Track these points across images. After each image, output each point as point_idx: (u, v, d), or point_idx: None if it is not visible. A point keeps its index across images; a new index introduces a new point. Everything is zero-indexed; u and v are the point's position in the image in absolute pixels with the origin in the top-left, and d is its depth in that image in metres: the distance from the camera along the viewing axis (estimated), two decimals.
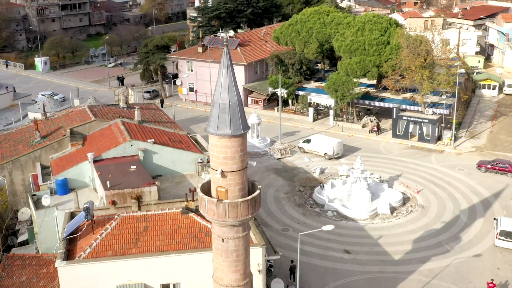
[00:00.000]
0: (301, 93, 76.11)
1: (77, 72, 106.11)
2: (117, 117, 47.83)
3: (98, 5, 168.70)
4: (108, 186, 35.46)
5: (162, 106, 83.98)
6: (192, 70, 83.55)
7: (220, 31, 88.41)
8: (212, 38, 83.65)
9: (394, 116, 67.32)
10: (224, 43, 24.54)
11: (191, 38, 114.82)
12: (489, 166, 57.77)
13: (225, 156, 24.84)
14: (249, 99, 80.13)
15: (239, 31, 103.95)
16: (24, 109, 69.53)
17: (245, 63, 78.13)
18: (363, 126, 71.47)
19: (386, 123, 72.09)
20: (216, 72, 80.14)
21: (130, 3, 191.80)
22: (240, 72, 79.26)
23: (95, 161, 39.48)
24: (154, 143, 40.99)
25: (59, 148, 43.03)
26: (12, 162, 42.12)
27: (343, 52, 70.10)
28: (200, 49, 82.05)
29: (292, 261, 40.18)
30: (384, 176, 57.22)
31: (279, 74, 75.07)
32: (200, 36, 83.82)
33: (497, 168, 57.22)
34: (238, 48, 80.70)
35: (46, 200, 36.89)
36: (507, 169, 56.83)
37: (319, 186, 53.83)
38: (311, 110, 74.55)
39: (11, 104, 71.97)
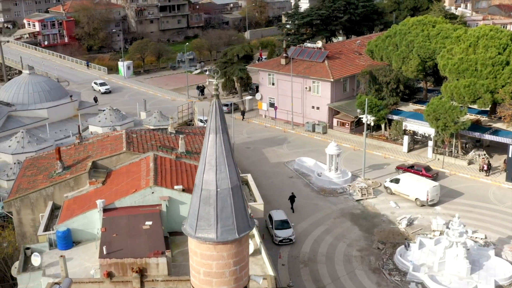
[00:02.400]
0: (395, 117, 64.38)
1: (160, 78, 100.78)
2: (156, 148, 39.81)
3: (197, 7, 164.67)
4: (105, 252, 27.19)
5: (243, 119, 76.05)
6: (273, 84, 74.48)
7: (308, 41, 78.38)
8: (298, 49, 74.00)
9: (511, 155, 54.00)
10: (214, 90, 15.26)
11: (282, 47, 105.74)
12: (406, 168, 56.31)
13: (209, 272, 15.58)
14: (335, 120, 69.57)
15: (334, 40, 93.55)
16: (87, 120, 64.06)
17: (332, 79, 67.70)
18: (470, 163, 58.57)
19: (499, 160, 58.68)
20: (298, 88, 70.50)
21: (231, 5, 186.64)
22: (325, 89, 69.02)
23: (106, 210, 31.50)
24: (183, 190, 32.24)
25: (75, 185, 35.64)
26: (21, 199, 35.34)
27: (449, 72, 57.68)
28: (283, 61, 72.72)
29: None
30: (491, 237, 44.73)
31: (369, 94, 63.96)
32: (284, 46, 74.31)
33: (412, 171, 55.26)
34: (325, 61, 70.42)
35: (36, 259, 29.39)
36: (420, 173, 54.70)
37: (403, 245, 42.58)
38: (406, 138, 62.65)
39: (75, 115, 66.89)
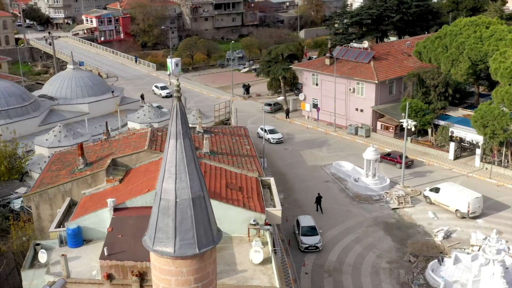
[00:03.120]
0: (441, 123, 61.14)
1: (207, 75, 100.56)
2: None
3: (252, 5, 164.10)
4: (106, 253, 26.45)
5: (287, 117, 74.65)
6: (317, 84, 72.52)
7: (355, 41, 75.81)
8: (344, 49, 71.69)
9: None
10: (175, 90, 14.04)
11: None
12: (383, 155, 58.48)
13: None
14: (378, 124, 66.92)
15: (386, 40, 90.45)
16: (126, 116, 64.30)
17: (376, 81, 65.09)
18: None
19: None
20: (341, 89, 68.32)
21: (287, 3, 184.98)
22: (370, 91, 66.51)
23: (117, 209, 30.83)
24: None
25: (93, 182, 35.23)
26: (40, 194, 35.27)
27: (500, 76, 54.07)
28: (327, 61, 70.62)
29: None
30: None
31: (416, 98, 61.10)
32: (329, 45, 72.16)
33: (388, 158, 58.93)
34: (371, 62, 67.84)
35: (42, 256, 29.05)
36: (395, 160, 58.13)
37: (437, 259, 39.98)
38: (452, 145, 59.38)
39: (116, 110, 67.27)
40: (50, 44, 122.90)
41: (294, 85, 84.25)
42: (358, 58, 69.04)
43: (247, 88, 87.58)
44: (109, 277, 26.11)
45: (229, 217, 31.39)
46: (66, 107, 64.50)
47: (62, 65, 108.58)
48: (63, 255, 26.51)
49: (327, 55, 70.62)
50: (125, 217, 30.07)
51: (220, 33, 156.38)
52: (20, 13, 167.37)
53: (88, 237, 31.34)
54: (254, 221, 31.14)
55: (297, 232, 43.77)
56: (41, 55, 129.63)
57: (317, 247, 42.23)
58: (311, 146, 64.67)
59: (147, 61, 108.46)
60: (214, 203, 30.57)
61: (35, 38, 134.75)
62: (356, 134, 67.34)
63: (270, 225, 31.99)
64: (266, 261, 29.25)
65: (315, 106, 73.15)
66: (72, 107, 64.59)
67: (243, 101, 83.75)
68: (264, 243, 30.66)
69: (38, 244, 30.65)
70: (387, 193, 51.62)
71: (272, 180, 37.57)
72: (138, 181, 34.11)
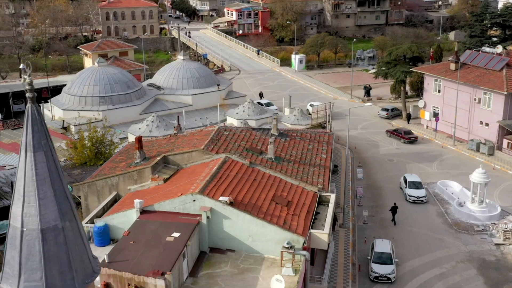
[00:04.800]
0: None
1: (331, 74, 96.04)
2: (242, 149, 36.04)
3: (399, 3, 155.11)
4: (107, 260, 24.31)
5: (408, 122, 68.31)
6: (439, 91, 65.02)
7: (486, 45, 66.60)
8: (473, 54, 63.30)
9: None
10: (27, 91, 11.00)
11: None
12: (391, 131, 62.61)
13: None
14: (505, 141, 57.99)
15: None
16: (227, 111, 62.75)
17: (506, 92, 56.31)
18: None
19: None
20: (465, 98, 60.54)
21: (440, 2, 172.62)
22: (498, 103, 57.88)
23: (144, 211, 28.68)
24: (230, 203, 27.87)
25: (139, 178, 33.48)
26: (88, 185, 34.39)
27: None
28: (452, 66, 62.82)
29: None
30: None
31: None
32: (455, 49, 64.18)
33: (395, 133, 62.79)
34: (503, 70, 58.95)
35: None
36: (400, 135, 62.11)
37: None
38: None
39: (221, 104, 65.96)
40: (189, 37, 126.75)
41: (420, 90, 76.84)
42: (489, 64, 60.46)
43: (368, 90, 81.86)
44: (107, 286, 23.97)
45: (263, 235, 27.79)
46: (170, 97, 64.57)
47: (198, 56, 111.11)
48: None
49: (451, 58, 62.79)
50: (147, 221, 27.79)
51: (361, 31, 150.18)
52: (170, 4, 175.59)
53: (117, 237, 29.60)
54: (288, 243, 27.13)
55: (369, 257, 38.57)
56: (181, 45, 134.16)
57: (389, 278, 36.70)
58: (421, 159, 57.89)
59: (271, 55, 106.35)
60: (248, 218, 27.31)
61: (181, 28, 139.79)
62: (478, 150, 59.07)
63: (308, 250, 27.71)
64: None
65: (435, 115, 65.72)
66: (176, 98, 64.50)
67: (361, 103, 78.20)
68: (296, 271, 26.59)
69: None
70: (494, 224, 43.95)
71: (332, 197, 32.99)
72: (180, 182, 31.73)
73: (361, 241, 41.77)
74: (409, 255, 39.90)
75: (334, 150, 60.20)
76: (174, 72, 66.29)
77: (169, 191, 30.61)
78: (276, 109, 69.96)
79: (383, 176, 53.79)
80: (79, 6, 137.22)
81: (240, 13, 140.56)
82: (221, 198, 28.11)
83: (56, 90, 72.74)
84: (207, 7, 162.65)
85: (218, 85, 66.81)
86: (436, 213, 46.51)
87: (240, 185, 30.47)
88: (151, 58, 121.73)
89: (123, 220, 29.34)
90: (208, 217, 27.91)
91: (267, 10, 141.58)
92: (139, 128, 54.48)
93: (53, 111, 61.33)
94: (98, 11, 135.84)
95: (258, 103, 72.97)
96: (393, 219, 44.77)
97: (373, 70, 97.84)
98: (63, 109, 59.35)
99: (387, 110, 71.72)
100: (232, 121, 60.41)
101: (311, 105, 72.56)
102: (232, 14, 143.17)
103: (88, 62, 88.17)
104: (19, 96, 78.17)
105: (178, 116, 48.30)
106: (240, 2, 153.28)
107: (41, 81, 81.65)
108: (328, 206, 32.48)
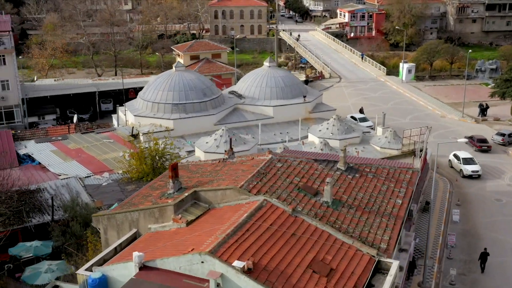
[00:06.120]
0: None
1: (443, 87, 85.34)
2: (292, 188, 29.47)
3: None
4: None
5: None
6: None
7: None
8: None
9: None
10: None
11: None
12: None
13: None
14: None
15: None
16: (309, 127, 55.92)
17: None
18: None
19: None
20: None
21: None
22: None
23: (144, 267, 23.18)
24: (247, 270, 21.53)
25: (160, 217, 28.03)
26: (108, 218, 29.60)
27: None
28: None
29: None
30: None
31: None
32: None
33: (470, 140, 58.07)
34: None
35: None
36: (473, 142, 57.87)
37: None
38: None
39: (307, 117, 59.25)
40: (296, 39, 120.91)
41: None
42: None
43: (483, 108, 70.96)
44: None
45: None
46: (250, 107, 59.04)
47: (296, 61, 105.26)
48: None
49: None
50: (143, 283, 22.23)
51: (488, 38, 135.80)
52: (284, 3, 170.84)
53: None
54: None
55: None
56: (287, 47, 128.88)
57: None
58: None
59: (377, 62, 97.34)
60: None
61: (288, 28, 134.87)
62: None
63: None
64: None
65: None
66: (256, 109, 58.86)
67: (473, 124, 67.82)
68: None
69: (57, 286, 24.91)
70: None
71: (394, 266, 25.39)
72: (203, 228, 25.85)
73: None
74: None
75: (430, 181, 51.54)
76: (257, 80, 60.64)
77: (185, 240, 24.85)
78: (370, 126, 62.04)
79: (486, 221, 44.28)
80: (189, 4, 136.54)
81: (353, 14, 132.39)
82: (235, 263, 21.81)
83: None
84: (321, 8, 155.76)
85: (305, 96, 60.10)
86: None
87: (270, 243, 23.95)
88: (256, 59, 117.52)
89: (124, 272, 24.00)
90: (218, 285, 21.78)
91: (383, 12, 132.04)
92: (206, 142, 49.55)
93: (127, 116, 58.34)
94: (208, 9, 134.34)
95: (352, 117, 65.56)
96: (481, 265, 37.25)
97: (492, 85, 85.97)
98: (134, 115, 55.98)
99: (503, 135, 60.98)
100: (313, 139, 53.72)
101: (352, 117, 64.95)
102: (344, 16, 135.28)
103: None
104: (107, 95, 77.01)
105: (230, 138, 41.72)
106: (355, 3, 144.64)
107: (133, 81, 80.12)
108: (386, 276, 25.00)
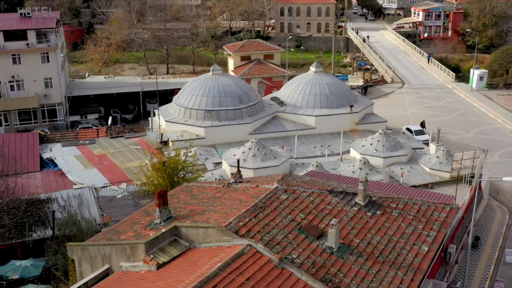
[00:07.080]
0: None
1: None
2: (293, 227, 24.95)
3: None
4: None
5: None
6: None
7: None
8: None
9: None
10: None
11: None
12: None
13: None
14: None
15: None
16: (352, 141, 50.59)
17: None
18: None
19: None
20: None
21: None
22: None
23: None
24: None
25: (132, 255, 24.26)
26: (82, 249, 26.24)
27: None
28: None
29: None
30: None
31: None
32: None
33: None
34: None
35: None
36: None
37: None
38: None
39: (353, 129, 53.89)
40: (364, 40, 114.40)
41: None
42: None
43: None
44: None
45: None
46: (291, 116, 54.44)
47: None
48: None
49: None
50: None
51: None
52: (356, 0, 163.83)
53: None
54: None
55: None
56: (355, 47, 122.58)
57: None
58: None
59: (451, 65, 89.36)
60: None
61: (356, 27, 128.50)
62: None
63: None
64: None
65: None
66: (297, 118, 54.18)
67: None
68: None
69: None
70: None
71: None
72: (172, 275, 21.91)
73: None
74: None
75: (486, 209, 45.06)
76: (301, 86, 55.84)
77: None
78: (426, 141, 55.71)
79: None
80: (256, 0, 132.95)
81: (427, 13, 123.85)
82: None
83: None
84: (395, 5, 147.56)
85: (351, 106, 54.68)
86: None
87: None
88: (320, 58, 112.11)
89: None
90: None
91: (461, 11, 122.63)
92: (234, 155, 45.63)
93: (160, 121, 55.43)
94: (274, 6, 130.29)
95: (407, 129, 59.40)
96: None
97: None
98: (166, 120, 52.87)
99: None
100: (354, 154, 48.51)
101: (407, 129, 58.86)
102: (418, 14, 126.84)
103: (230, 63, 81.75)
104: (154, 95, 74.73)
105: (238, 160, 36.48)
106: (430, 1, 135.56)
107: (180, 80, 77.53)
108: None
